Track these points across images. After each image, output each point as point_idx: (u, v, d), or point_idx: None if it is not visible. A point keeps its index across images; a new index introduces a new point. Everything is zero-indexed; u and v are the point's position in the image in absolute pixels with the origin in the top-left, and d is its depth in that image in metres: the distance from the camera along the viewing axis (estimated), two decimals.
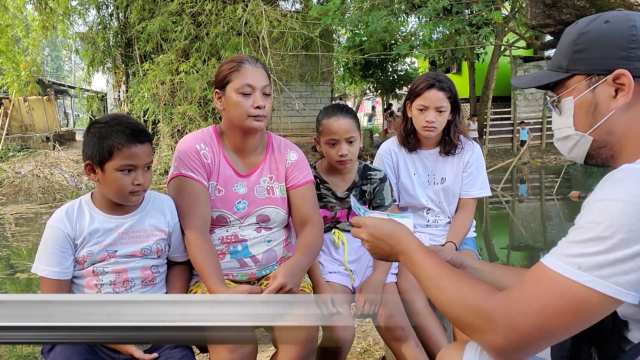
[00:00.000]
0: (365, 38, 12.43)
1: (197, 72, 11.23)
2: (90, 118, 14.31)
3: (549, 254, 0.91)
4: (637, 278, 0.81)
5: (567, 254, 0.87)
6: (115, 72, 14.51)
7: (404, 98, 2.27)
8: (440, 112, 2.05)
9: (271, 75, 1.79)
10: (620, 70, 0.96)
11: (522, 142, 16.23)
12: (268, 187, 1.79)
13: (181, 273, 1.70)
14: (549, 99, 1.10)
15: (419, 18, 12.12)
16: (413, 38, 12.67)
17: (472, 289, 0.97)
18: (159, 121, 11.97)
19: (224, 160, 1.76)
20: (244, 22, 10.65)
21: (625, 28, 0.97)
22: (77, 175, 11.54)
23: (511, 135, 17.40)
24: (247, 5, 10.84)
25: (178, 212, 1.66)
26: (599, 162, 1.06)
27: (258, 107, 1.64)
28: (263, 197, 1.77)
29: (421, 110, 2.07)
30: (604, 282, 0.82)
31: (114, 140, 1.43)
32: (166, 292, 1.64)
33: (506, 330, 0.89)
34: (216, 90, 1.72)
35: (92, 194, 1.59)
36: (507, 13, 12.71)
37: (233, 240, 1.72)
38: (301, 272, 1.61)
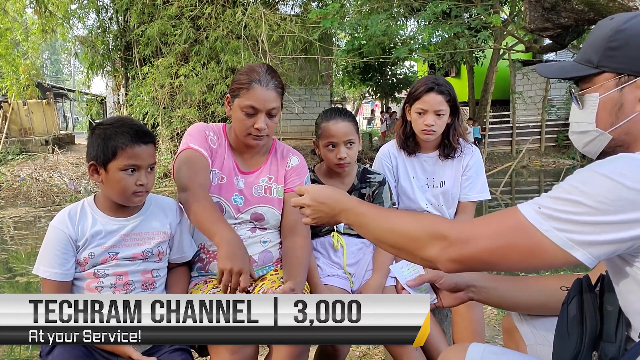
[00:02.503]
0: (365, 41, 12.46)
1: (197, 75, 11.25)
2: (89, 121, 14.30)
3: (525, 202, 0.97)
4: (592, 241, 0.87)
5: (538, 202, 0.93)
6: (115, 76, 14.52)
7: (403, 101, 2.28)
8: (439, 115, 2.06)
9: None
10: None
11: (478, 140, 15.27)
12: (266, 187, 1.81)
13: (181, 276, 1.70)
14: (573, 90, 1.09)
15: (418, 22, 12.18)
16: (412, 41, 12.71)
17: (428, 217, 1.06)
18: (158, 124, 11.98)
19: (229, 153, 1.80)
20: (243, 25, 10.68)
21: None
22: (77, 178, 11.55)
23: (510, 139, 17.41)
24: (246, 9, 10.88)
25: (178, 181, 1.64)
26: None
27: (258, 129, 1.67)
28: (259, 196, 1.79)
29: (420, 113, 2.08)
30: (559, 233, 0.89)
31: (118, 141, 1.45)
32: None
33: (459, 244, 0.98)
34: (228, 94, 1.76)
35: (95, 196, 1.59)
36: (506, 17, 12.75)
37: None
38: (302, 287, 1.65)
